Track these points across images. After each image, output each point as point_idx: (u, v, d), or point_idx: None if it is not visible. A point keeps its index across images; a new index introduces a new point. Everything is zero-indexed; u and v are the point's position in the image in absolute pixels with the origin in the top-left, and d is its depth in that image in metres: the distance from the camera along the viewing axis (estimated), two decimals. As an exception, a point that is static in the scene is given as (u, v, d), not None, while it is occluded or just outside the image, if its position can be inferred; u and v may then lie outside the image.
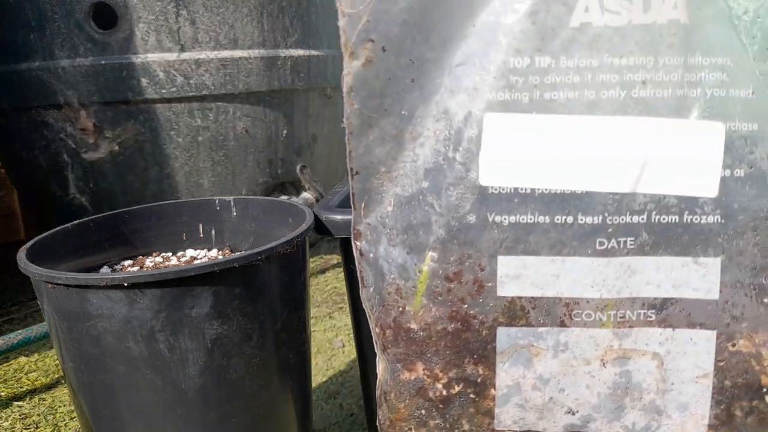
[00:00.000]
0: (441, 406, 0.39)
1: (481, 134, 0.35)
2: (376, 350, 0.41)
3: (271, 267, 0.50)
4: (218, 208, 0.69)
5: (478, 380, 0.38)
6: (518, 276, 0.36)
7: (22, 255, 0.52)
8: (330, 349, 0.87)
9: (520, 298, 0.37)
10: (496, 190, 0.36)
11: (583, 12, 0.33)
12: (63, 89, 1.05)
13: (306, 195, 1.20)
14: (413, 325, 0.38)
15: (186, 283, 0.46)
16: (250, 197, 0.68)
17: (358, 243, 0.39)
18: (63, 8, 1.02)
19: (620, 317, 0.36)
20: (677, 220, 0.35)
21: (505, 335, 0.37)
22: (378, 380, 0.42)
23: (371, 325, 0.40)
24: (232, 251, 0.68)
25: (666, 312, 0.36)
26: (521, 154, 0.35)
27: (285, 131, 1.18)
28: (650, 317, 0.36)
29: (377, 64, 0.36)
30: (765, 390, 0.36)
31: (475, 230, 0.36)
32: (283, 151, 1.20)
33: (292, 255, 0.51)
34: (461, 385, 0.38)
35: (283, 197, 1.18)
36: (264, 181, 1.19)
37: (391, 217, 0.38)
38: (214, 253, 0.67)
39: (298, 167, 1.22)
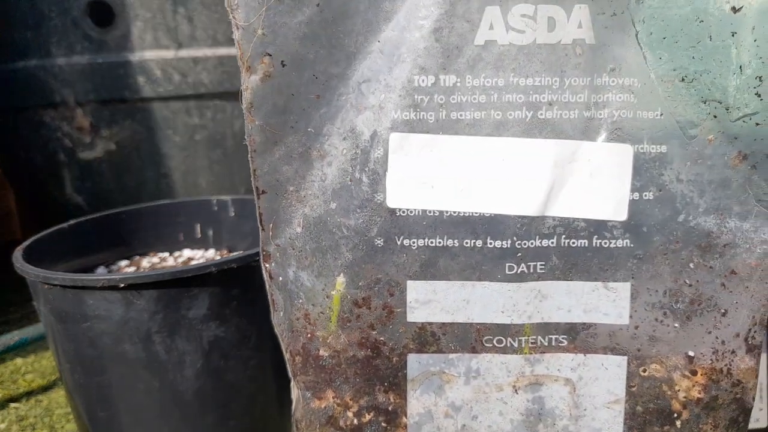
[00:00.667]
0: (351, 434, 0.38)
1: (387, 155, 0.35)
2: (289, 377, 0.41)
3: None
4: (216, 207, 0.69)
5: (390, 408, 0.38)
6: (428, 301, 0.36)
7: (18, 255, 0.52)
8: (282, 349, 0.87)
9: (430, 324, 0.36)
10: (403, 212, 0.35)
11: (488, 29, 0.33)
12: (59, 88, 1.05)
13: None
14: (322, 352, 0.38)
15: (183, 284, 0.46)
16: (248, 197, 0.69)
17: (267, 265, 0.39)
18: (60, 6, 1.03)
19: (532, 342, 0.36)
20: (587, 244, 0.35)
21: (415, 362, 0.37)
22: (292, 407, 0.41)
23: (282, 350, 0.40)
24: (229, 251, 0.68)
25: (577, 337, 0.36)
26: (428, 175, 0.35)
27: None
28: (562, 342, 0.36)
29: (278, 79, 0.35)
30: (676, 415, 0.36)
31: (383, 254, 0.36)
32: None
33: None
34: (372, 414, 0.38)
35: None
36: None
37: (300, 238, 0.37)
38: (211, 253, 0.67)
39: None
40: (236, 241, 0.69)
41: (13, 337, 0.82)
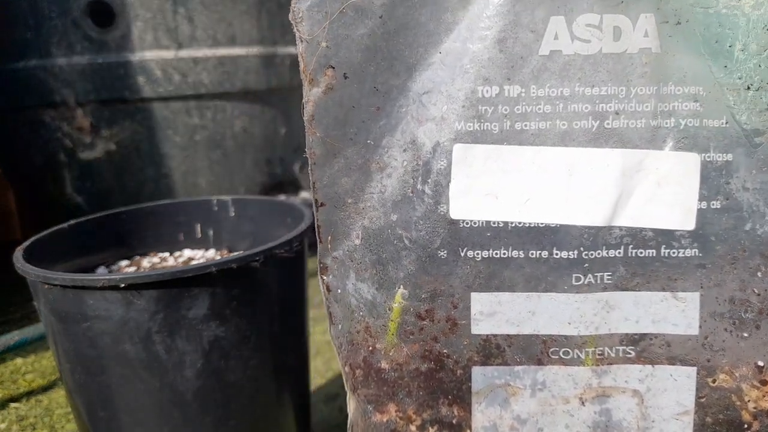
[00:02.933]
0: (414, 449, 0.41)
1: (450, 166, 0.38)
2: (346, 390, 0.44)
3: (270, 268, 0.53)
4: (216, 208, 0.73)
5: (454, 422, 0.41)
6: (493, 313, 0.39)
7: (18, 255, 0.56)
8: (329, 351, 0.92)
9: (495, 336, 0.39)
10: (467, 223, 0.38)
11: (553, 40, 0.36)
12: (59, 88, 1.12)
13: (305, 194, 1.25)
14: (384, 365, 0.41)
15: (183, 284, 0.49)
16: (248, 197, 0.73)
17: (324, 278, 0.42)
18: (60, 6, 1.10)
19: (599, 354, 0.39)
20: (654, 254, 0.38)
21: (480, 375, 0.40)
22: (348, 421, 0.44)
23: (340, 364, 0.43)
24: (230, 252, 0.71)
25: (645, 348, 0.39)
26: (492, 186, 0.38)
27: (283, 130, 1.25)
28: (629, 354, 0.39)
29: (339, 91, 0.38)
30: (746, 426, 0.39)
31: (446, 266, 0.39)
32: (281, 150, 1.27)
33: (291, 255, 0.54)
34: (436, 427, 0.41)
35: (282, 197, 1.23)
36: (262, 180, 1.26)
37: (359, 250, 0.41)
38: (211, 253, 0.71)
39: (296, 166, 1.27)
40: (236, 241, 0.73)
41: (13, 337, 0.87)
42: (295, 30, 0.38)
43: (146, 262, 0.69)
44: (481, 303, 0.39)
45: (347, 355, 0.42)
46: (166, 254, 0.72)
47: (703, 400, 0.40)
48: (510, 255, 0.39)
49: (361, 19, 0.37)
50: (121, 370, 0.52)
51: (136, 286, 0.49)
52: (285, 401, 0.59)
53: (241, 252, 0.55)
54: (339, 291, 0.42)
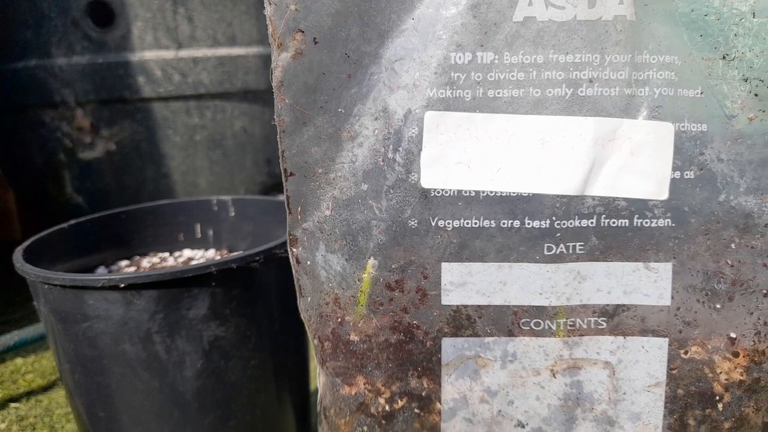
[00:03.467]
0: (384, 422, 0.41)
1: (422, 134, 0.38)
2: (316, 363, 0.44)
3: (270, 268, 0.53)
4: (216, 208, 0.73)
5: (423, 394, 0.41)
6: (463, 284, 0.39)
7: (18, 255, 0.56)
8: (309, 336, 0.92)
9: (465, 306, 0.40)
10: (438, 192, 0.38)
11: (527, 6, 0.36)
12: (59, 88, 1.13)
13: None
14: (353, 337, 0.41)
15: (183, 284, 0.50)
16: (248, 197, 0.74)
17: (294, 250, 0.42)
18: (60, 6, 1.11)
19: (570, 325, 0.39)
20: (627, 224, 0.38)
21: (450, 346, 0.40)
22: (318, 395, 0.44)
23: (309, 336, 0.43)
24: (229, 252, 0.72)
25: (617, 319, 0.39)
26: (464, 154, 0.38)
27: None
28: (601, 325, 0.39)
29: (309, 56, 0.38)
30: (718, 398, 0.40)
31: (417, 235, 0.39)
32: None
33: None
34: (405, 400, 0.41)
35: (282, 197, 1.24)
36: (262, 180, 1.27)
37: (328, 221, 0.40)
38: (211, 253, 0.71)
39: None
40: (236, 241, 0.74)
41: (13, 337, 0.89)
42: (263, -8, 0.37)
43: (146, 262, 0.69)
44: (451, 273, 0.39)
45: (316, 327, 0.42)
46: (166, 254, 0.73)
47: (674, 371, 0.40)
48: (481, 225, 0.39)
49: (332, -18, 0.37)
50: (121, 370, 0.52)
51: (136, 286, 0.49)
52: (285, 401, 0.60)
53: (241, 252, 0.55)
54: (308, 263, 0.42)
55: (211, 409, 0.54)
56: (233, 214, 0.74)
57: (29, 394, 0.88)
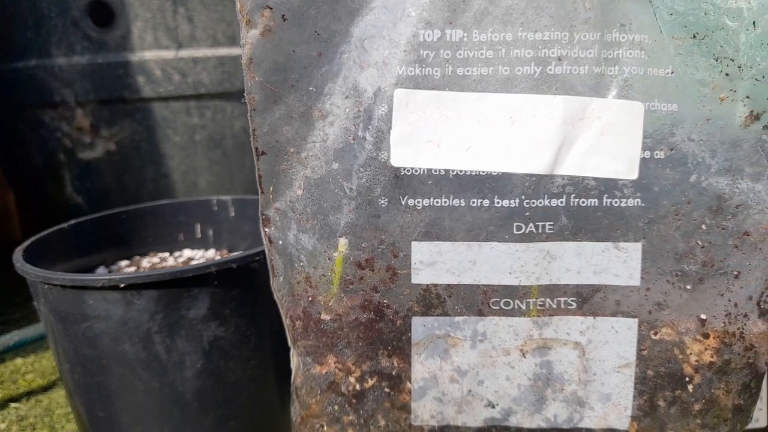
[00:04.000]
0: (354, 401, 0.42)
1: (391, 112, 0.38)
2: (289, 344, 0.44)
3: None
4: (216, 207, 0.74)
5: (393, 373, 0.41)
6: (433, 263, 0.39)
7: (18, 255, 0.56)
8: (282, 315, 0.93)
9: (435, 285, 0.40)
10: (408, 171, 0.39)
11: (496, -18, 0.36)
12: (59, 88, 1.13)
13: None
14: (324, 316, 0.41)
15: (183, 284, 0.50)
16: (249, 197, 0.75)
17: (266, 230, 0.42)
18: (60, 6, 1.11)
19: (540, 305, 0.40)
20: (597, 204, 0.38)
21: (420, 325, 0.40)
22: (292, 375, 0.45)
23: (282, 316, 0.43)
24: (229, 252, 0.72)
25: (587, 299, 0.39)
26: (433, 133, 0.38)
27: None
28: (571, 305, 0.40)
29: (278, 34, 0.38)
30: (687, 379, 0.40)
31: (387, 214, 0.39)
32: None
33: None
34: (375, 379, 0.41)
35: None
36: None
37: (300, 201, 0.41)
38: (211, 253, 0.72)
39: None
40: (236, 241, 0.74)
41: (13, 337, 0.89)
42: (232, -31, 0.38)
43: (146, 262, 0.70)
44: (421, 252, 0.39)
45: (288, 306, 0.43)
46: (166, 254, 0.73)
47: (644, 352, 0.40)
48: (451, 203, 0.39)
49: (301, -41, 0.37)
50: (121, 370, 0.52)
51: (136, 286, 0.50)
52: (285, 401, 0.60)
53: (241, 252, 0.56)
54: (280, 242, 0.42)
55: (211, 409, 0.54)
56: (233, 214, 0.74)
57: (29, 394, 0.88)
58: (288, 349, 0.50)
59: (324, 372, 0.42)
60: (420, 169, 0.38)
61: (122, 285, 0.49)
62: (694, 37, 0.37)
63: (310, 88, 0.39)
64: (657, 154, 0.38)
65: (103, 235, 0.70)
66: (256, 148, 0.41)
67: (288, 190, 0.41)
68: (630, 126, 0.37)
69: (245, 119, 1.21)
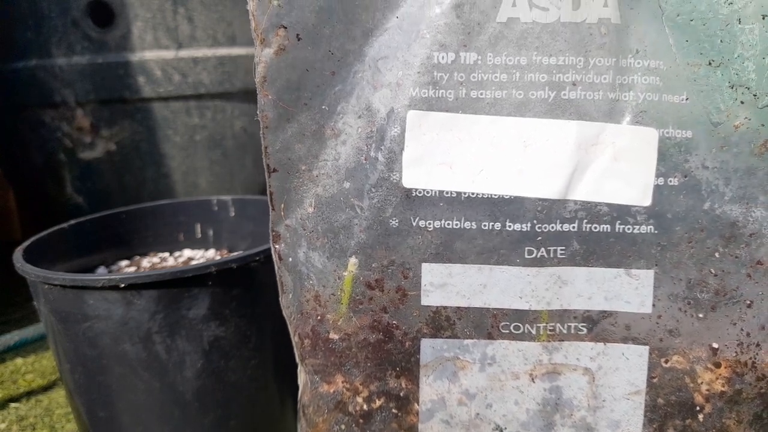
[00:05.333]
0: (361, 421, 0.42)
1: (404, 133, 0.38)
2: (297, 361, 0.44)
3: (270, 268, 0.54)
4: (216, 208, 0.74)
5: (401, 394, 0.41)
6: (443, 285, 0.40)
7: (18, 255, 0.57)
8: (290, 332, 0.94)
9: (445, 308, 0.40)
10: (420, 192, 0.39)
11: (511, 7, 0.36)
12: (59, 88, 1.15)
13: None
14: (333, 335, 0.41)
15: (183, 284, 0.51)
16: (249, 197, 0.75)
17: (277, 246, 0.42)
18: (60, 6, 1.13)
19: (550, 330, 0.40)
20: (609, 230, 0.38)
21: (429, 347, 0.41)
22: (299, 392, 0.45)
23: (291, 333, 0.44)
24: (230, 252, 0.73)
25: (598, 325, 0.39)
26: (446, 155, 0.38)
27: None
28: (581, 330, 0.40)
29: (292, 53, 0.39)
30: (698, 408, 0.40)
31: (398, 235, 0.39)
32: None
33: None
34: (383, 399, 0.42)
35: None
36: (262, 180, 1.29)
37: (311, 219, 0.41)
38: (211, 253, 0.72)
39: None
40: (236, 241, 0.75)
41: (13, 337, 0.90)
42: (247, -13, 0.38)
43: (146, 262, 0.70)
44: (431, 274, 0.40)
45: (297, 324, 0.43)
46: (166, 254, 0.74)
47: (655, 380, 0.40)
48: (462, 226, 0.39)
49: (316, -21, 0.38)
50: (121, 370, 0.53)
51: (136, 286, 0.50)
52: (285, 401, 0.60)
53: (241, 252, 0.56)
54: (290, 260, 0.42)
55: (211, 409, 0.54)
56: (233, 214, 0.75)
57: (29, 394, 0.89)
58: (290, 350, 0.50)
59: (332, 391, 0.42)
60: (432, 190, 0.39)
61: (122, 285, 0.50)
62: (710, 64, 0.37)
63: (323, 107, 0.39)
64: (671, 181, 0.38)
65: (104, 235, 0.71)
66: (268, 165, 0.41)
67: (299, 207, 0.41)
68: (644, 152, 0.37)
69: (245, 119, 1.22)
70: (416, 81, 0.38)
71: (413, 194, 0.39)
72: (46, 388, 0.90)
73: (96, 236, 0.70)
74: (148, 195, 1.19)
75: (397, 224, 0.39)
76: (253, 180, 1.28)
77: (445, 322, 0.40)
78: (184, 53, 1.16)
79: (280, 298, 0.44)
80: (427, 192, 0.39)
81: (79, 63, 1.13)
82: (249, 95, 1.23)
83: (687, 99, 0.37)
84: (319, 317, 0.42)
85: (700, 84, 0.37)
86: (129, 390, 0.53)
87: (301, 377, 0.44)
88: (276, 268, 0.43)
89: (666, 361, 0.40)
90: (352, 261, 0.40)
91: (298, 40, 0.38)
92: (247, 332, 0.54)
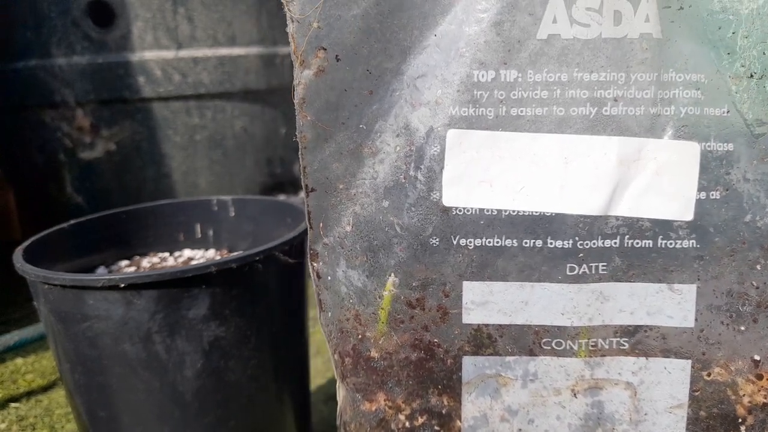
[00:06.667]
0: (403, 439, 0.42)
1: (444, 152, 0.38)
2: (336, 377, 0.44)
3: (269, 268, 0.54)
4: (216, 208, 0.74)
5: (443, 411, 0.41)
6: (485, 302, 0.39)
7: (18, 255, 0.57)
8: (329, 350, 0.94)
9: (486, 325, 0.40)
10: (460, 211, 0.38)
11: (551, 23, 0.36)
12: (60, 88, 1.15)
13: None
14: (374, 354, 0.41)
15: (183, 284, 0.51)
16: (248, 197, 0.74)
17: (315, 264, 0.42)
18: (60, 6, 1.13)
19: (592, 345, 0.39)
20: (651, 245, 0.38)
21: (471, 364, 0.40)
22: (338, 409, 0.45)
23: (330, 351, 0.43)
24: (229, 252, 0.73)
25: (640, 340, 0.39)
26: (486, 173, 0.38)
27: (284, 130, 1.29)
28: (623, 345, 0.39)
29: (331, 74, 0.38)
30: (740, 420, 0.39)
31: (438, 254, 0.39)
32: (281, 151, 1.32)
33: (291, 255, 0.55)
34: (425, 417, 0.41)
35: (282, 197, 1.26)
36: (262, 180, 1.29)
37: (349, 237, 0.41)
38: (211, 253, 0.72)
39: (297, 166, 1.30)
40: (236, 241, 0.74)
41: (13, 337, 0.90)
42: (285, 9, 0.38)
43: (146, 262, 0.70)
44: (473, 292, 0.39)
45: (337, 343, 0.43)
46: (166, 254, 0.73)
47: (697, 393, 0.40)
48: (503, 244, 0.39)
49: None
50: (121, 370, 0.52)
51: (136, 286, 0.50)
52: (285, 401, 0.60)
53: (241, 252, 0.56)
54: (329, 278, 0.42)
55: (211, 409, 0.54)
56: (233, 214, 0.74)
57: (29, 394, 0.89)
58: (291, 350, 0.50)
59: (374, 409, 0.42)
60: (472, 209, 0.38)
61: (122, 285, 0.49)
62: (751, 76, 0.36)
63: (361, 126, 0.39)
64: (713, 195, 0.37)
65: (103, 235, 0.70)
66: (306, 185, 0.41)
67: (337, 226, 0.41)
68: (685, 167, 0.37)
69: (245, 119, 1.21)
70: (456, 99, 0.37)
71: (453, 213, 0.39)
72: (46, 388, 0.91)
73: (96, 236, 0.70)
74: (148, 195, 1.19)
75: (437, 243, 0.39)
76: (253, 180, 1.28)
77: (486, 340, 0.40)
78: (184, 53, 1.15)
79: (318, 316, 0.43)
80: (468, 210, 0.38)
81: (79, 63, 1.13)
82: (249, 95, 1.22)
83: (728, 112, 0.37)
84: (359, 336, 0.41)
85: (741, 96, 0.36)
86: (129, 390, 0.53)
87: (341, 394, 0.44)
88: (314, 286, 0.43)
89: (708, 374, 0.40)
90: (392, 279, 0.40)
91: (337, 60, 0.38)
92: (247, 332, 0.54)
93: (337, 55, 0.38)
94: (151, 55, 1.14)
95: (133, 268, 0.68)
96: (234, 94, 1.21)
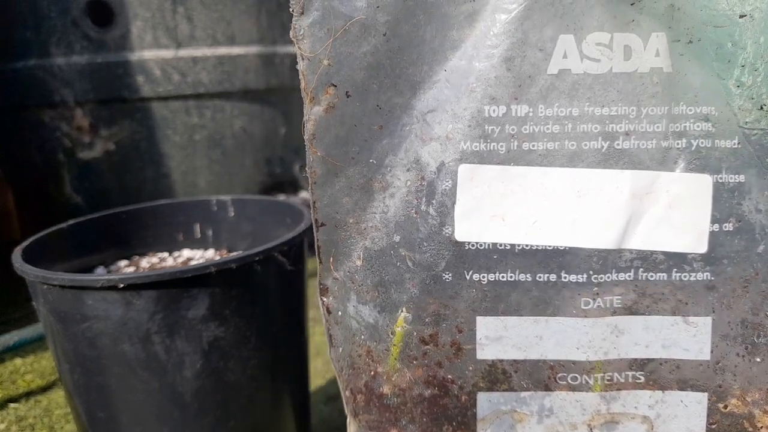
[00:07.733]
0: (418, 477, 0.41)
1: (456, 186, 0.38)
2: (346, 413, 0.44)
3: (269, 268, 0.53)
4: (215, 207, 0.74)
5: (458, 449, 0.40)
6: (499, 338, 0.39)
7: (17, 255, 0.56)
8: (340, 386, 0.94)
9: (501, 361, 0.39)
10: (473, 246, 0.38)
11: (562, 58, 0.36)
12: (59, 87, 1.14)
13: (305, 194, 1.28)
14: (386, 391, 0.41)
15: (182, 285, 0.50)
16: (248, 197, 0.74)
17: (325, 299, 0.42)
18: (59, 6, 1.13)
19: (608, 380, 0.39)
20: (665, 278, 0.38)
21: (486, 401, 0.40)
22: (350, 446, 0.44)
23: (341, 387, 0.43)
24: (229, 252, 0.72)
25: (655, 373, 0.39)
26: (498, 207, 0.38)
27: (283, 130, 1.28)
28: (639, 379, 0.39)
29: (341, 109, 0.38)
30: (759, 453, 0.39)
31: (451, 289, 0.39)
32: (281, 150, 1.31)
33: (291, 255, 0.54)
34: (439, 455, 0.41)
35: (282, 197, 1.25)
36: (262, 180, 1.28)
37: (360, 272, 0.40)
38: (210, 253, 0.71)
39: (296, 166, 1.29)
40: (236, 241, 0.74)
41: (13, 337, 0.89)
42: (296, 47, 0.37)
43: (145, 262, 0.70)
44: (486, 327, 0.39)
45: (348, 379, 0.42)
46: (165, 254, 0.73)
47: (714, 426, 0.39)
48: (517, 278, 0.38)
49: (365, 37, 0.37)
50: (121, 371, 0.52)
51: (135, 286, 0.49)
52: (285, 401, 0.59)
53: (241, 252, 0.55)
54: (339, 313, 0.42)
55: (211, 410, 0.54)
56: (233, 214, 0.74)
57: (28, 394, 0.88)
58: (291, 350, 0.49)
59: (387, 448, 0.41)
60: (485, 243, 0.38)
61: (121, 285, 0.49)
62: (761, 108, 0.36)
63: (371, 160, 0.39)
64: (726, 227, 0.37)
65: (103, 235, 0.70)
66: (316, 220, 0.41)
67: (347, 260, 0.41)
68: (698, 199, 0.37)
69: (244, 119, 1.21)
70: (467, 134, 0.37)
71: (466, 247, 0.38)
72: (45, 389, 0.90)
73: (95, 236, 0.69)
74: (147, 195, 1.18)
75: (450, 278, 0.39)
76: (252, 179, 1.28)
77: (501, 375, 0.39)
78: (184, 53, 1.15)
79: (328, 351, 0.43)
80: (480, 245, 0.38)
81: (79, 63, 1.12)
82: (248, 95, 1.23)
83: (738, 143, 0.36)
84: (372, 372, 0.41)
85: (752, 128, 0.36)
86: (128, 390, 0.52)
87: (352, 428, 0.43)
88: (324, 321, 0.42)
89: (724, 407, 0.39)
90: (404, 315, 0.40)
91: (347, 96, 0.38)
92: (246, 332, 0.54)
93: (347, 92, 0.38)
94: (151, 54, 1.14)
95: (132, 269, 0.68)
96: (233, 93, 1.21)
